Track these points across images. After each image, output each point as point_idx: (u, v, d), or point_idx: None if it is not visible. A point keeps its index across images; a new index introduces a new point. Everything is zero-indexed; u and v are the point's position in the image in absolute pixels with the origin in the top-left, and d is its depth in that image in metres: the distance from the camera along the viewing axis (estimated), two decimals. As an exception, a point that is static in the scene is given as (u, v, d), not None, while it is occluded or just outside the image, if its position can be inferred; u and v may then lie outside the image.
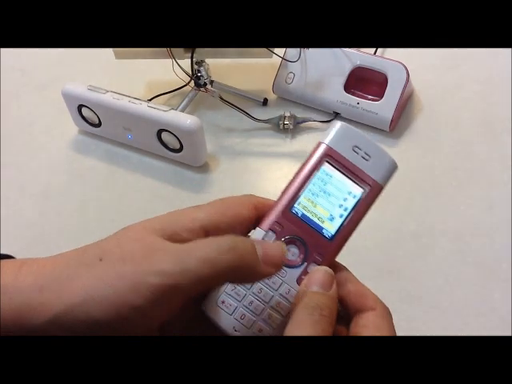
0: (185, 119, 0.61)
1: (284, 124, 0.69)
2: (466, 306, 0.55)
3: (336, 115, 0.70)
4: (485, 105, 0.68)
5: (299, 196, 0.36)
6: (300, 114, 0.70)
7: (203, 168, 0.68)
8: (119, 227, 0.67)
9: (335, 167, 0.36)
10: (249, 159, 0.69)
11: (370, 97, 0.68)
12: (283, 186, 0.71)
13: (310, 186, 0.36)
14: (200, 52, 0.67)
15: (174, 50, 0.65)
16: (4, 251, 0.63)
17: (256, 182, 0.67)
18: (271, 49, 0.66)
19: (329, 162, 0.36)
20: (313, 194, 0.36)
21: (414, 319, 0.55)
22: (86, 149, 0.71)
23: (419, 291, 0.56)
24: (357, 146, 0.36)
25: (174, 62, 0.67)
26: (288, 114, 0.69)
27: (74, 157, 0.71)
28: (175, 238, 0.30)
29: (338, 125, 0.37)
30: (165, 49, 0.65)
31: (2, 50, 0.83)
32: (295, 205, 0.36)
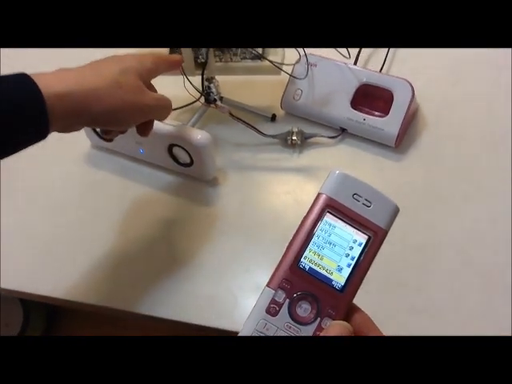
0: (196, 134, 0.63)
1: (292, 139, 0.71)
2: (471, 318, 0.56)
3: (343, 131, 0.71)
4: (488, 120, 0.70)
5: (305, 250, 0.36)
6: (308, 129, 0.71)
7: (212, 182, 0.69)
8: (130, 239, 0.69)
9: (337, 217, 0.36)
10: (257, 173, 0.70)
11: (376, 113, 0.69)
12: (290, 200, 0.73)
13: (314, 238, 0.36)
14: (210, 69, 0.68)
15: (185, 66, 0.67)
16: (17, 262, 0.65)
17: (264, 196, 0.68)
18: (280, 66, 0.68)
19: (330, 213, 0.36)
20: (318, 247, 0.36)
21: (419, 331, 0.55)
22: (99, 163, 0.73)
23: (424, 303, 0.57)
24: (357, 194, 0.36)
25: (185, 78, 0.68)
26: (296, 129, 0.71)
27: (87, 170, 0.73)
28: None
29: (335, 174, 0.37)
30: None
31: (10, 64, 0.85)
32: (302, 259, 0.36)
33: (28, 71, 0.44)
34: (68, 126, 0.50)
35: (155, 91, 0.58)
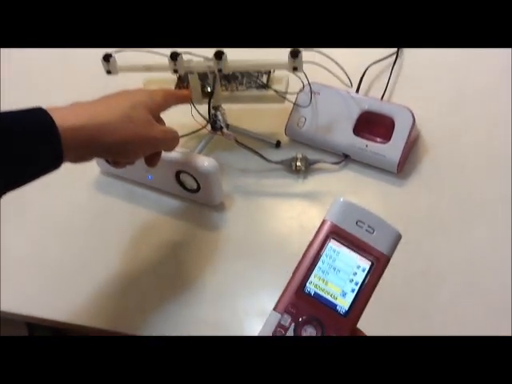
0: (202, 161, 0.65)
1: (296, 165, 0.72)
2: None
3: (346, 157, 0.72)
4: (488, 146, 0.71)
5: (310, 275, 0.37)
6: (311, 155, 0.73)
7: (218, 207, 0.71)
8: (138, 264, 0.70)
9: (341, 243, 0.37)
10: (262, 199, 0.72)
11: (378, 139, 0.70)
12: (295, 225, 0.74)
13: (319, 264, 0.37)
14: (217, 98, 0.70)
15: (192, 95, 0.69)
16: (26, 287, 0.66)
17: (269, 221, 0.70)
18: (284, 95, 0.70)
19: (335, 239, 0.37)
20: (323, 272, 0.37)
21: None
22: (108, 188, 0.75)
23: (428, 329, 0.58)
24: (360, 221, 0.38)
25: (193, 107, 0.70)
26: (300, 155, 0.72)
27: (96, 196, 0.74)
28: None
29: (339, 201, 0.38)
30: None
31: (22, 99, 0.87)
32: (307, 284, 0.37)
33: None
34: (80, 157, 0.52)
35: (164, 124, 0.60)
